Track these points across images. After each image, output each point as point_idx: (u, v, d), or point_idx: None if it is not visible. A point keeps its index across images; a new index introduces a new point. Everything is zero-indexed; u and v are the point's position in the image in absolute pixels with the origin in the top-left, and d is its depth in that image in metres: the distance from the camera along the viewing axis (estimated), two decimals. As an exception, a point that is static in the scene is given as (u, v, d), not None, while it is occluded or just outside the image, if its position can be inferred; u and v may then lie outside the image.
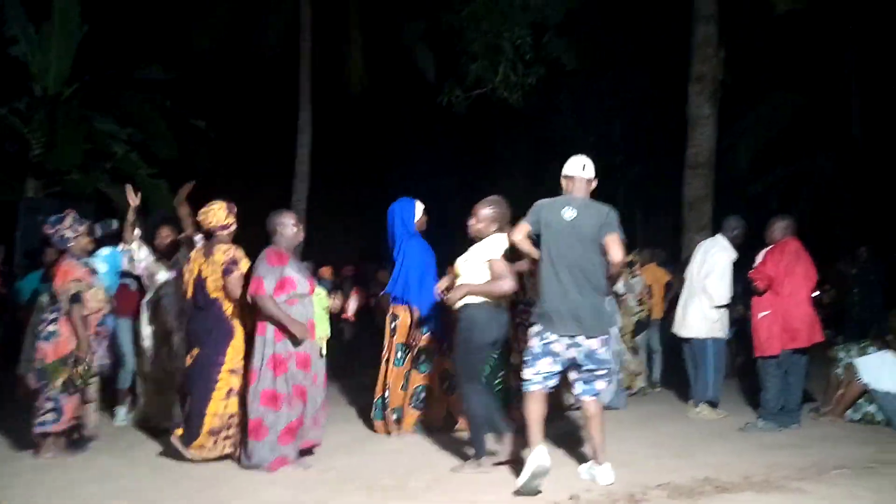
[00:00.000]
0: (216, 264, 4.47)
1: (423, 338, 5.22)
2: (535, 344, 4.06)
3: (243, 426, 4.41)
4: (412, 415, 5.31)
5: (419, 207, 5.40)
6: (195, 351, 4.55)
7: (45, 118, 10.34)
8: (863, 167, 13.16)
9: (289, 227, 4.49)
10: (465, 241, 4.52)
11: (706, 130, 9.08)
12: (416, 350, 5.27)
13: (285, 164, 12.54)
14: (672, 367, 7.65)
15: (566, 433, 5.32)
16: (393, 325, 5.33)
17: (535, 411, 4.00)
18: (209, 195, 4.82)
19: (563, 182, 4.27)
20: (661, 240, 13.18)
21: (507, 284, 4.22)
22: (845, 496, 3.82)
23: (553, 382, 4.11)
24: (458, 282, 4.37)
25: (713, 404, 6.14)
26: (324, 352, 4.67)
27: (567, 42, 9.95)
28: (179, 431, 4.47)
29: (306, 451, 4.58)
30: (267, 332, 4.33)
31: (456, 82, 9.77)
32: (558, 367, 4.07)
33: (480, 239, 4.35)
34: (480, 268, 4.28)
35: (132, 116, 11.15)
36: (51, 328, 4.60)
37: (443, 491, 3.99)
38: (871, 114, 12.45)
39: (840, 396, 5.97)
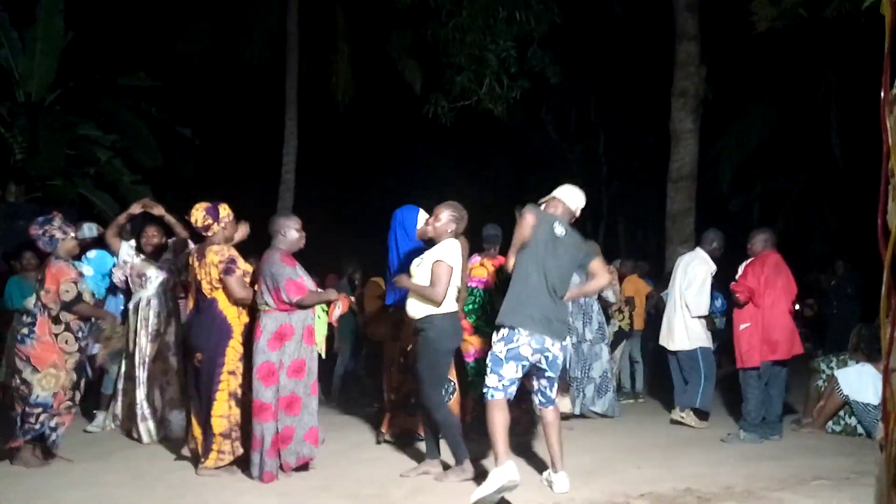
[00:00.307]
0: (209, 265, 4.46)
1: None
2: (499, 349, 4.02)
3: (245, 432, 4.40)
4: (402, 419, 5.33)
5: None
6: (199, 356, 4.52)
7: (28, 123, 10.21)
8: (841, 183, 13.38)
9: (292, 231, 4.47)
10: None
11: (689, 145, 9.22)
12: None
13: (271, 173, 12.51)
14: (655, 378, 7.70)
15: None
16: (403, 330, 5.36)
17: (500, 421, 3.94)
18: (194, 203, 4.81)
19: (554, 202, 4.33)
20: (644, 252, 13.30)
21: (437, 293, 4.18)
22: (824, 507, 3.87)
23: (514, 389, 4.08)
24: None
25: (701, 414, 6.21)
26: (323, 355, 4.66)
27: (551, 56, 10.04)
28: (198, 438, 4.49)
29: (302, 468, 4.46)
30: (261, 339, 4.28)
31: (441, 94, 9.82)
32: (521, 374, 4.06)
33: (436, 241, 4.35)
34: (429, 271, 4.26)
35: (116, 123, 11.07)
36: (24, 331, 4.53)
37: (424, 500, 3.99)
38: (850, 131, 12.66)
39: (820, 408, 6.04)
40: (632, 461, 4.90)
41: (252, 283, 4.47)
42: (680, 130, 9.23)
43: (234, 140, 15.40)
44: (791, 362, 5.84)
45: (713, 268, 6.31)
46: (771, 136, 13.61)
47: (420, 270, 4.34)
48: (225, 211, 4.63)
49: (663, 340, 6.48)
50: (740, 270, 5.87)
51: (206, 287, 4.48)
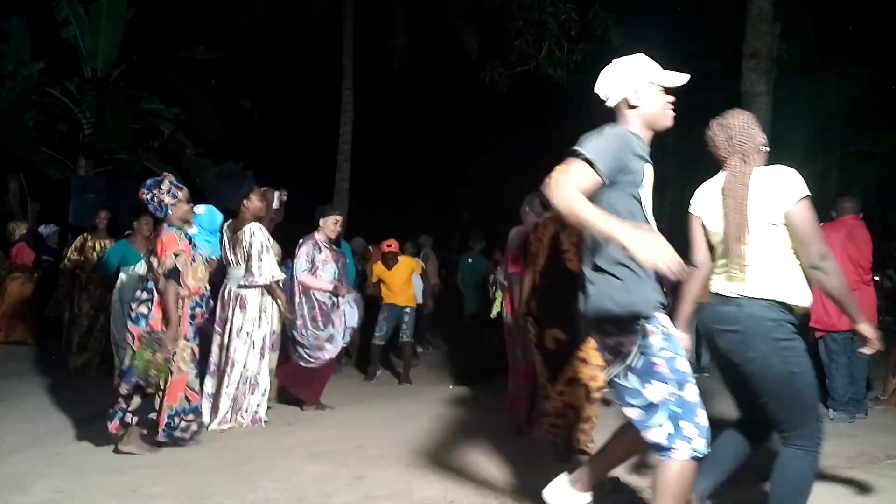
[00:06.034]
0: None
1: None
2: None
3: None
4: None
5: None
6: None
7: (95, 99, 10.52)
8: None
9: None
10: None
11: (761, 108, 8.73)
12: None
13: (329, 143, 12.58)
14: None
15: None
16: None
17: None
18: (255, 176, 5.01)
19: None
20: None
21: None
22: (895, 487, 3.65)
23: None
24: None
25: None
26: None
27: (613, 17, 9.65)
28: None
29: None
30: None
31: (498, 60, 9.61)
32: None
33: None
34: None
35: (178, 96, 11.29)
36: (142, 309, 4.08)
37: (478, 470, 3.93)
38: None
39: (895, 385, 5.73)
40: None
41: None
42: (751, 93, 8.75)
43: (292, 111, 15.55)
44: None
45: None
46: (850, 97, 12.84)
47: None
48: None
49: None
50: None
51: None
